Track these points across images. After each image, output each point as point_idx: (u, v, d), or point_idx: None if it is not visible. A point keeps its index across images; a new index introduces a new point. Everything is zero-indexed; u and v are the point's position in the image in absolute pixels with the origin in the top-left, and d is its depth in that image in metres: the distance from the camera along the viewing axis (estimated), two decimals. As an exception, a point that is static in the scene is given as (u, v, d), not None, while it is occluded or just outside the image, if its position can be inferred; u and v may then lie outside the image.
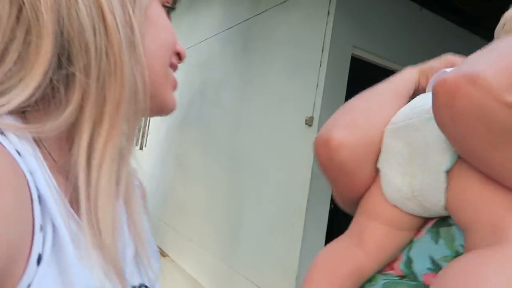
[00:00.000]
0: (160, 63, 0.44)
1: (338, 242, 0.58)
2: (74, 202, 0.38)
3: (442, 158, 0.47)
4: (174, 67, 0.49)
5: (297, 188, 2.98)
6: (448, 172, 0.46)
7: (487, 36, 3.58)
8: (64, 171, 0.38)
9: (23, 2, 0.34)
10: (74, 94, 0.36)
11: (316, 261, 0.59)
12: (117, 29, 0.37)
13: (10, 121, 0.34)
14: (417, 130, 0.51)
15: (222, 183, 4.01)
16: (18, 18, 0.35)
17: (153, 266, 0.49)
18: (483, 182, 0.43)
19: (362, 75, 3.72)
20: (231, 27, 4.34)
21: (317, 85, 2.97)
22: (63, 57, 0.35)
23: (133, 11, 0.39)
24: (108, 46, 0.37)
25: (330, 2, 2.99)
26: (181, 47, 0.49)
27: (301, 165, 2.98)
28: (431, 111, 0.46)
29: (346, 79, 3.06)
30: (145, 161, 6.40)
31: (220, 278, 3.75)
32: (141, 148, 7.30)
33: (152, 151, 6.21)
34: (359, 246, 0.54)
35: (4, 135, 0.32)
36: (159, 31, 0.44)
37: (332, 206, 3.13)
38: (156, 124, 6.33)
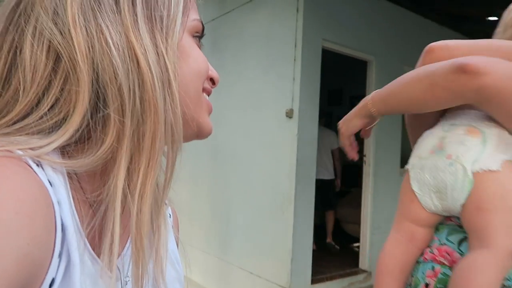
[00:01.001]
0: (194, 91, 0.46)
1: (396, 240, 0.80)
2: (96, 236, 0.41)
3: (460, 194, 0.69)
4: (207, 91, 0.50)
5: (284, 177, 3.16)
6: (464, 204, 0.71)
7: (439, 19, 3.91)
8: (92, 204, 0.40)
9: (60, 53, 0.37)
10: (110, 133, 0.38)
11: (385, 253, 0.80)
12: (149, 69, 0.39)
13: (49, 154, 0.37)
14: (442, 171, 0.72)
15: (205, 180, 4.12)
16: (55, 67, 0.37)
17: None
18: None
19: (333, 65, 3.96)
20: (196, 27, 4.42)
21: (294, 79, 3.15)
22: (100, 101, 0.38)
23: (166, 49, 0.41)
24: (142, 86, 0.38)
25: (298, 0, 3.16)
26: (214, 72, 0.51)
27: (286, 155, 3.16)
28: (452, 156, 0.70)
29: (319, 70, 3.26)
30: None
31: (213, 271, 3.88)
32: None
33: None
34: (412, 242, 0.77)
35: (41, 166, 0.35)
36: (191, 61, 0.46)
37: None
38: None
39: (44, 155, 0.36)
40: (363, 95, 4.27)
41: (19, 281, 0.30)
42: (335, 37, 3.40)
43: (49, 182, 0.35)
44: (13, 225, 0.30)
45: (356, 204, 4.66)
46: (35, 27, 0.37)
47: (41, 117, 0.37)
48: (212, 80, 0.52)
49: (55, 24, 0.37)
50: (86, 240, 0.39)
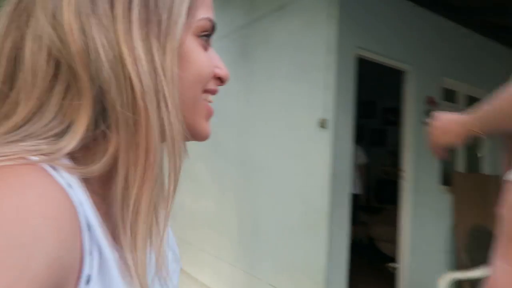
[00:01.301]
0: (191, 97, 0.45)
1: (509, 273, 0.69)
2: (114, 234, 0.43)
3: None
4: (212, 92, 0.50)
5: (317, 191, 2.99)
6: None
7: (481, 30, 3.70)
8: (106, 206, 0.43)
9: (60, 60, 0.37)
10: (112, 142, 0.39)
11: (497, 281, 0.70)
12: (139, 81, 0.38)
13: (63, 160, 0.38)
14: None
15: (234, 192, 3.99)
16: (56, 73, 0.38)
17: None
18: None
19: (366, 76, 3.80)
20: (226, 35, 4.36)
21: (327, 87, 3.00)
22: (100, 112, 0.38)
23: (163, 56, 0.40)
24: (132, 98, 0.38)
25: (331, 5, 3.04)
26: (222, 70, 0.50)
27: (319, 167, 2.99)
28: None
29: (354, 79, 3.11)
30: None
31: (240, 285, 3.72)
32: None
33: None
34: None
35: (57, 171, 0.36)
36: (191, 66, 0.44)
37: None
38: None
39: (57, 160, 0.37)
40: (398, 108, 4.11)
41: (50, 285, 0.31)
42: (370, 45, 3.24)
43: (68, 184, 0.36)
44: (41, 230, 0.31)
45: (391, 221, 4.42)
46: (36, 30, 0.38)
47: (46, 124, 0.37)
48: (220, 79, 0.50)
49: (54, 29, 0.37)
50: (111, 237, 0.40)
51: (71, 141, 0.37)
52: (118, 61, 0.38)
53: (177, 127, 0.41)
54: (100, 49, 0.37)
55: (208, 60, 0.47)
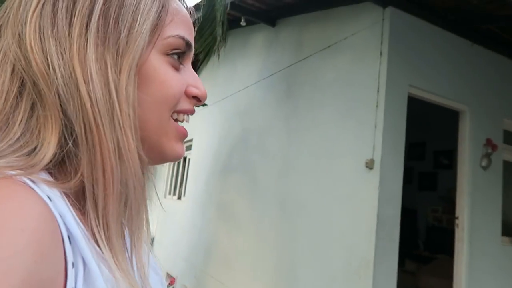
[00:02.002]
0: (156, 119, 0.44)
1: None
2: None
3: None
4: (187, 112, 0.48)
5: (362, 236, 2.79)
6: None
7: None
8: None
9: (24, 78, 0.38)
10: (80, 160, 0.39)
11: None
12: (89, 99, 0.38)
13: (41, 175, 0.37)
14: None
15: (271, 233, 3.84)
16: (21, 90, 0.39)
17: None
18: None
19: (416, 115, 3.63)
20: (271, 75, 4.36)
21: (375, 126, 2.86)
22: (67, 129, 0.39)
23: (118, 75, 0.40)
24: (85, 116, 0.38)
25: (382, 42, 2.94)
26: (197, 90, 0.48)
27: (365, 212, 2.80)
28: None
29: (405, 118, 2.94)
30: (184, 210, 6.31)
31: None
32: (179, 198, 7.25)
33: (191, 201, 6.13)
34: None
35: (36, 184, 0.36)
36: (154, 86, 0.43)
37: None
38: (195, 173, 6.29)
39: (35, 174, 0.36)
40: (451, 150, 3.87)
41: None
42: (424, 84, 3.09)
43: (48, 196, 0.35)
44: (19, 244, 0.30)
45: (442, 272, 4.05)
46: (3, 47, 0.39)
47: (13, 143, 0.37)
48: (197, 98, 0.49)
49: (19, 47, 0.38)
50: (97, 247, 0.39)
51: (45, 157, 0.37)
52: (72, 79, 0.38)
53: (132, 148, 0.41)
54: (56, 68, 0.38)
55: (177, 79, 0.45)
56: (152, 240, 7.19)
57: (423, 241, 5.69)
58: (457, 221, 3.33)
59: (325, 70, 3.52)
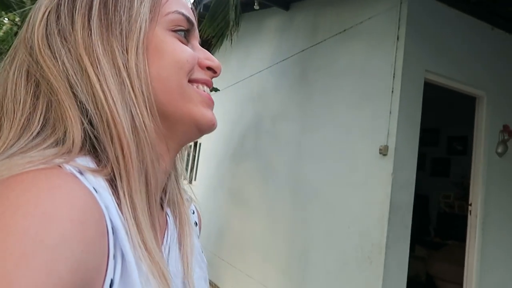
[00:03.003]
0: (175, 85, 0.45)
1: None
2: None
3: None
4: (203, 82, 0.50)
5: (375, 222, 2.80)
6: None
7: None
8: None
9: (37, 79, 0.41)
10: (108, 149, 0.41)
11: None
12: (98, 81, 0.41)
13: (86, 162, 0.39)
14: None
15: (284, 218, 3.87)
16: (36, 91, 0.41)
17: None
18: None
19: (430, 101, 3.58)
20: (285, 59, 4.32)
21: (390, 113, 2.83)
22: (85, 114, 0.41)
23: (124, 55, 0.42)
24: (96, 96, 0.40)
25: (399, 27, 2.89)
26: (209, 61, 0.50)
27: (378, 197, 2.81)
28: None
29: (421, 105, 2.91)
30: (195, 194, 6.36)
31: (287, 318, 3.55)
32: (190, 182, 7.32)
33: (203, 185, 6.19)
34: None
35: (83, 174, 0.37)
36: (165, 56, 0.45)
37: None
38: (205, 158, 6.33)
39: (81, 164, 0.38)
40: (465, 136, 3.83)
41: None
42: (440, 69, 3.03)
43: (94, 188, 0.37)
44: (67, 234, 0.31)
45: (454, 259, 4.06)
46: (17, 62, 0.43)
47: (34, 138, 0.40)
48: (212, 70, 0.51)
49: (30, 55, 0.42)
50: (138, 239, 0.39)
51: (75, 142, 0.39)
52: (80, 66, 0.41)
53: (147, 123, 0.42)
54: (65, 60, 0.41)
55: (186, 49, 0.47)
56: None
57: (434, 227, 5.68)
58: (470, 208, 3.31)
59: (340, 55, 3.48)
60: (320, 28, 3.83)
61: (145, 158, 0.42)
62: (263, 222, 4.20)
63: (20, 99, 0.41)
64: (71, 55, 0.41)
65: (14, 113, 0.41)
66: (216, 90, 4.29)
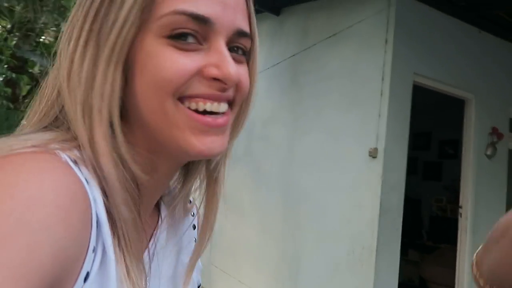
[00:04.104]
0: (157, 105, 0.40)
1: None
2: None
3: None
4: (205, 97, 0.41)
5: (365, 224, 2.79)
6: None
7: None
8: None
9: (60, 88, 0.42)
10: None
11: None
12: (68, 93, 0.41)
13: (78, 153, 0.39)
14: None
15: (275, 222, 3.85)
16: (57, 96, 0.43)
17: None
18: None
19: (421, 105, 3.60)
20: (276, 64, 4.33)
21: (380, 115, 2.84)
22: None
23: (93, 68, 0.40)
24: (67, 107, 0.41)
25: (387, 30, 2.91)
26: (215, 70, 0.41)
27: (368, 200, 2.81)
28: None
29: (410, 107, 2.93)
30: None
31: (279, 324, 3.52)
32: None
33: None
34: None
35: (77, 165, 0.37)
36: (147, 72, 0.40)
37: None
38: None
39: (75, 153, 0.39)
40: (456, 140, 3.82)
41: (54, 274, 0.30)
42: (429, 72, 3.06)
43: (86, 179, 0.37)
44: (52, 219, 0.31)
45: (445, 262, 4.06)
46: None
47: (55, 120, 0.42)
48: (219, 79, 0.41)
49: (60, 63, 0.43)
50: (117, 237, 0.40)
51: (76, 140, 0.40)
52: (61, 75, 0.42)
53: (100, 146, 0.39)
54: (61, 70, 0.42)
55: (174, 63, 0.39)
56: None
57: (427, 231, 5.69)
58: (460, 211, 3.32)
59: (330, 59, 3.49)
60: (311, 33, 3.85)
61: (106, 177, 0.40)
62: (255, 227, 4.18)
63: (47, 99, 0.44)
64: (62, 64, 0.42)
65: (42, 101, 0.44)
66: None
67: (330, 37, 3.52)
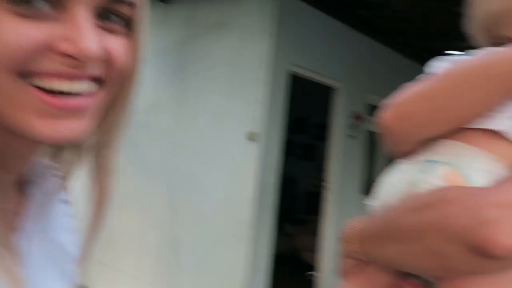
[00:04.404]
0: None
1: None
2: None
3: None
4: (53, 74, 0.34)
5: (243, 202, 3.01)
6: None
7: (403, 51, 4.01)
8: None
9: None
10: None
11: None
12: None
13: None
14: None
15: (158, 209, 3.86)
16: None
17: None
18: None
19: (299, 93, 3.94)
20: (162, 52, 4.27)
21: (258, 101, 3.06)
22: None
23: None
24: None
25: (269, 23, 3.12)
26: (68, 44, 0.33)
27: (246, 180, 3.03)
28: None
29: (285, 94, 3.20)
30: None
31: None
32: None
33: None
34: None
35: None
36: None
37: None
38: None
39: None
40: (327, 123, 4.22)
41: None
42: (303, 62, 3.38)
43: None
44: None
45: (314, 231, 4.56)
46: None
47: None
48: (73, 56, 0.34)
49: None
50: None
51: None
52: None
53: None
54: None
55: (15, 29, 0.32)
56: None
57: (301, 206, 6.30)
58: (325, 184, 3.79)
59: (215, 48, 3.59)
60: (197, 22, 3.88)
61: None
62: (136, 216, 4.12)
63: None
64: None
65: None
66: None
67: (216, 27, 3.62)
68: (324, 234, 3.73)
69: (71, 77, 0.35)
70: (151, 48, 4.47)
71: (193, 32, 3.86)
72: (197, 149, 3.54)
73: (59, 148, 0.49)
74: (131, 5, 0.38)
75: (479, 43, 0.63)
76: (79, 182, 0.53)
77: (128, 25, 0.39)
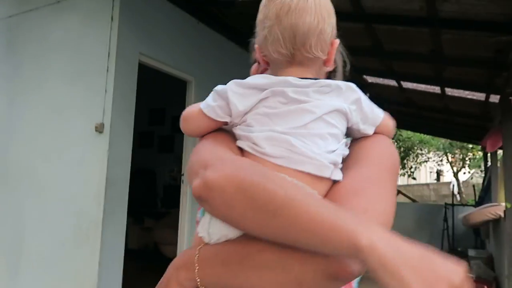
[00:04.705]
0: None
1: None
2: None
3: None
4: None
5: (92, 198, 2.83)
6: None
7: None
8: None
9: None
10: None
11: None
12: None
13: None
14: None
15: (-8, 206, 3.39)
16: None
17: None
18: None
19: (155, 84, 3.82)
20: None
21: (106, 91, 2.90)
22: None
23: None
24: None
25: (113, 7, 2.96)
26: None
27: (95, 174, 2.85)
28: None
29: (135, 84, 3.10)
30: None
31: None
32: None
33: None
34: None
35: None
36: None
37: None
38: None
39: None
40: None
41: None
42: (153, 53, 3.30)
43: None
44: None
45: (174, 224, 4.57)
46: None
47: None
48: None
49: None
50: None
51: None
52: None
53: None
54: None
55: None
56: None
57: (161, 199, 6.21)
58: (182, 177, 3.81)
59: (53, 28, 3.26)
60: (31, -6, 3.47)
61: None
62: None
63: None
64: None
65: None
66: None
67: (53, 3, 3.28)
68: (182, 228, 3.75)
69: None
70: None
71: (26, 6, 3.45)
72: (37, 140, 3.19)
73: None
74: None
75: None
76: None
77: None
